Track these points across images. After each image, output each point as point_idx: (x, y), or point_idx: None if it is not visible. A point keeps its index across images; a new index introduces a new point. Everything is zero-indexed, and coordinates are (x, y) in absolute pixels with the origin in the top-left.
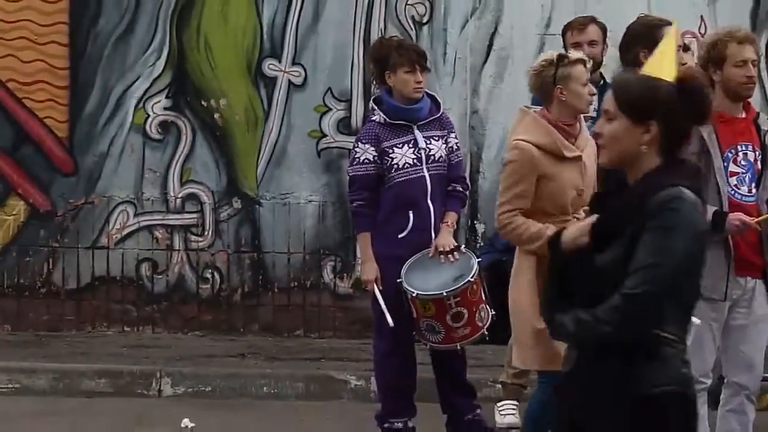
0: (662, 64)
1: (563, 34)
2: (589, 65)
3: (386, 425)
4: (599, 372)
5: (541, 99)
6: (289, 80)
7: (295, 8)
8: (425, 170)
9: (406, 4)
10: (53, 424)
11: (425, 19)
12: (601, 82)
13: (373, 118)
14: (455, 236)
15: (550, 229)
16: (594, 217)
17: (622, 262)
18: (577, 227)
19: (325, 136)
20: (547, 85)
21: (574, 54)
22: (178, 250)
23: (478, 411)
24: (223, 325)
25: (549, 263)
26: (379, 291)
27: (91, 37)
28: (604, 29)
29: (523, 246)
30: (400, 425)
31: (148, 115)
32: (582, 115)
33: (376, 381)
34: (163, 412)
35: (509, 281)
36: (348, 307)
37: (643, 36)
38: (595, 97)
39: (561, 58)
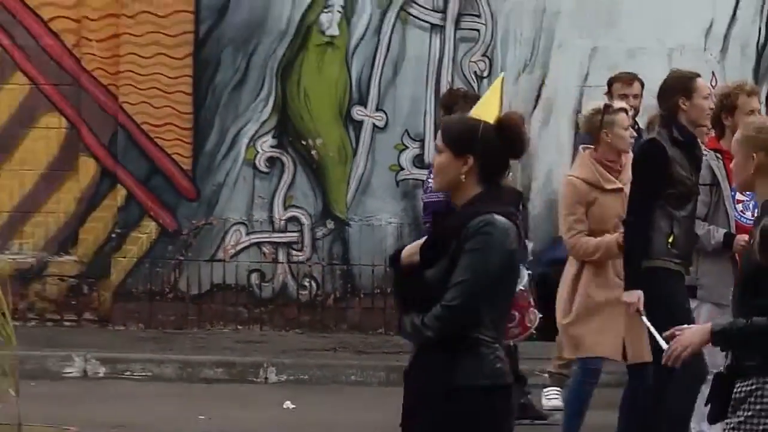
0: (486, 108)
1: (610, 85)
2: (630, 113)
3: None
4: (426, 364)
5: (590, 140)
6: (374, 123)
7: (379, 64)
8: None
9: (470, 62)
10: (178, 405)
11: (485, 74)
12: (636, 126)
13: None
14: None
15: (606, 240)
16: (423, 239)
17: (444, 276)
18: (412, 246)
19: (402, 169)
20: (595, 129)
21: (617, 103)
22: (282, 262)
23: (529, 396)
24: (318, 325)
25: (393, 275)
26: None
27: (211, 87)
28: (643, 85)
29: (588, 258)
30: None
31: (258, 152)
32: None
33: None
34: (268, 396)
35: (553, 289)
36: None
37: (679, 86)
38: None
39: (607, 107)
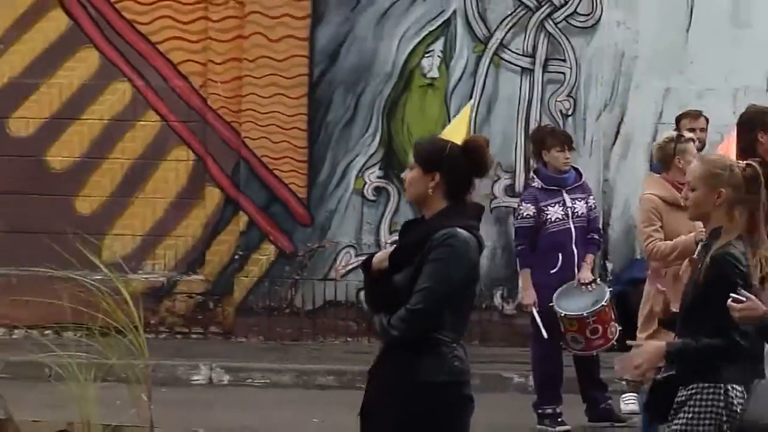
0: (455, 132)
1: (678, 121)
2: (696, 145)
3: (540, 411)
4: (391, 362)
5: (662, 166)
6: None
7: (474, 103)
8: (571, 223)
9: (556, 101)
10: (294, 410)
11: (570, 112)
12: None
13: (533, 185)
14: (592, 272)
15: (682, 239)
16: (393, 247)
17: (410, 282)
18: (382, 254)
19: (495, 198)
20: (668, 155)
21: (687, 134)
22: None
23: (609, 401)
24: None
25: (364, 279)
26: (537, 311)
27: (324, 124)
28: (707, 121)
29: (666, 260)
30: (550, 411)
31: (366, 182)
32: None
33: (533, 378)
34: None
35: (630, 305)
36: (512, 324)
37: (757, 120)
38: None
39: (679, 137)
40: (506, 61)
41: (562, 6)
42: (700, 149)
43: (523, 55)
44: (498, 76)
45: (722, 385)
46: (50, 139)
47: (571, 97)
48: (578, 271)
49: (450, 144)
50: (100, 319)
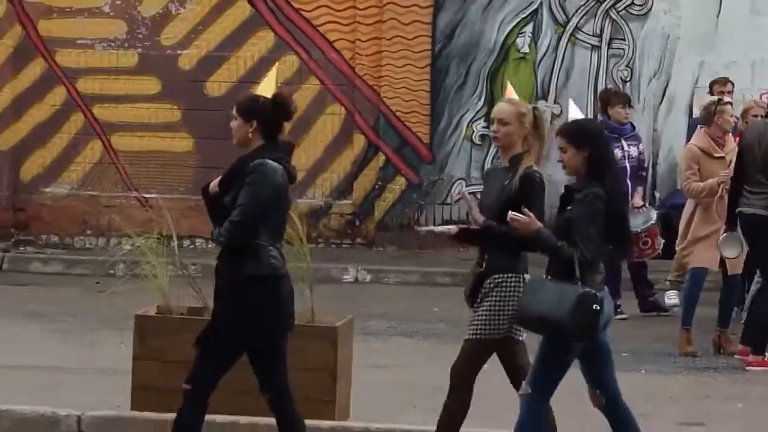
0: (266, 88)
1: (711, 86)
2: (732, 107)
3: None
4: (223, 263)
5: (705, 122)
6: (552, 112)
7: (556, 72)
8: (626, 163)
9: (617, 70)
10: (419, 301)
11: (628, 79)
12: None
13: None
14: (642, 199)
15: (709, 182)
16: (221, 176)
17: (233, 202)
18: (215, 181)
19: None
20: (710, 114)
21: (726, 98)
22: None
23: (655, 296)
24: None
25: (204, 201)
26: None
27: (443, 87)
28: (733, 86)
29: (698, 196)
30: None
31: (473, 131)
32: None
33: None
34: None
35: (672, 224)
36: None
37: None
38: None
39: (719, 101)
40: (580, 40)
41: None
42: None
43: (592, 36)
44: (574, 52)
45: (520, 275)
46: (236, 98)
47: (629, 67)
48: (631, 198)
49: (262, 98)
50: None
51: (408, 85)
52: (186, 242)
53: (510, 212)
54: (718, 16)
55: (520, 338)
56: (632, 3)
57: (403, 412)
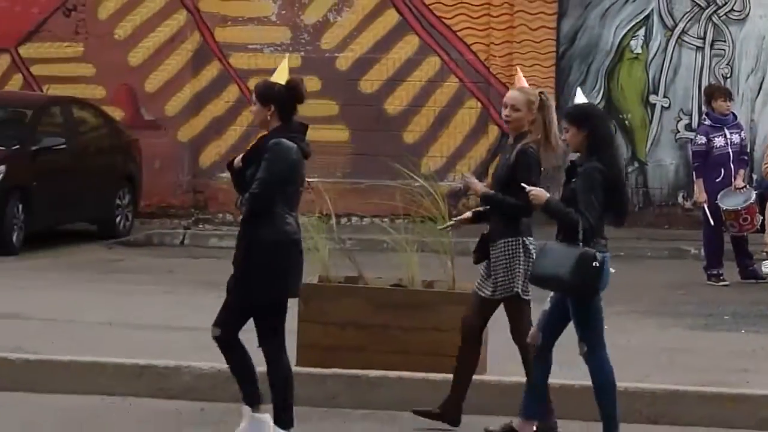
0: (280, 76)
1: None
2: None
3: (708, 272)
4: (245, 228)
5: None
6: (662, 105)
7: (665, 70)
8: (729, 149)
9: (719, 68)
10: None
11: (728, 75)
12: None
13: (704, 123)
14: (744, 181)
15: None
16: (245, 151)
17: (252, 175)
18: (239, 157)
19: (679, 132)
20: None
21: None
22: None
23: (755, 265)
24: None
25: (229, 175)
26: (706, 206)
27: (566, 84)
28: None
29: None
30: (715, 272)
31: None
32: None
33: (704, 250)
34: None
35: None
36: (689, 215)
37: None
38: None
39: None
40: (686, 42)
41: (723, 5)
42: None
43: (697, 38)
44: (680, 52)
45: (520, 238)
46: (387, 94)
47: (729, 65)
48: (734, 179)
49: (277, 85)
50: (420, 211)
51: (536, 82)
52: (343, 220)
53: (524, 186)
54: None
55: (527, 297)
56: (732, 9)
57: (558, 375)
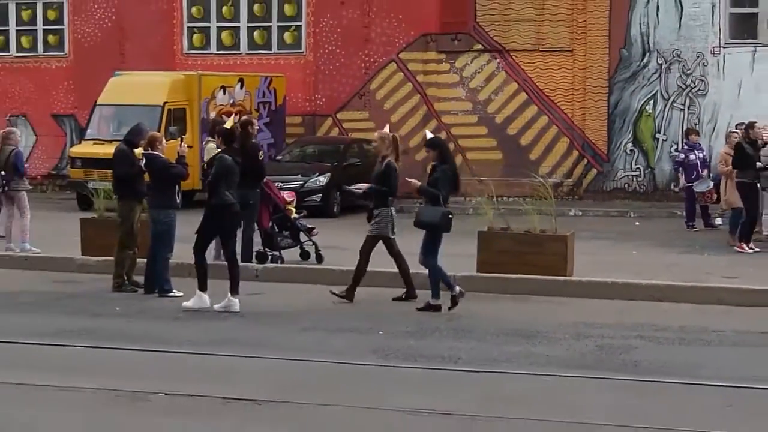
0: (228, 123)
1: None
2: None
3: (688, 223)
4: (208, 202)
5: None
6: (662, 139)
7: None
8: (698, 161)
9: (692, 120)
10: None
11: (696, 124)
12: None
13: (685, 147)
14: (708, 176)
15: None
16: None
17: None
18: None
19: (672, 153)
20: None
21: None
22: None
23: (711, 220)
24: None
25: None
26: (685, 189)
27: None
28: None
29: None
30: (691, 223)
31: None
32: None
33: (685, 212)
34: None
35: None
36: None
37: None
38: None
39: None
40: (675, 106)
41: (694, 87)
42: None
43: (680, 104)
44: (672, 112)
45: (389, 208)
46: (520, 135)
47: (698, 118)
48: (701, 175)
49: (224, 128)
50: (537, 194)
51: (595, 128)
52: (499, 199)
53: (410, 180)
54: None
55: (393, 236)
56: (699, 89)
57: (609, 275)
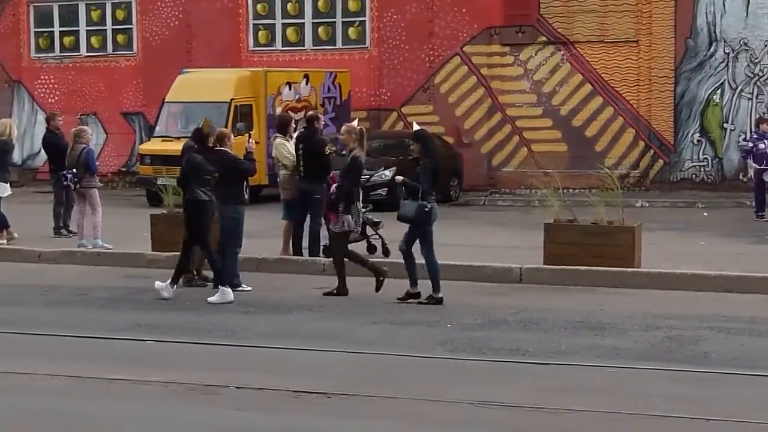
0: (203, 124)
1: None
2: None
3: (757, 213)
4: (184, 194)
5: None
6: (730, 129)
7: None
8: (767, 149)
9: (760, 109)
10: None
11: (765, 113)
12: None
13: (754, 136)
14: None
15: None
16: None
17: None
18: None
19: (740, 142)
20: None
21: None
22: None
23: None
24: None
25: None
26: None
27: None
28: None
29: None
30: (760, 213)
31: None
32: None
33: (754, 200)
34: None
35: None
36: None
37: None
38: None
39: None
40: (743, 95)
41: (762, 76)
42: None
43: (749, 93)
44: (740, 101)
45: (354, 203)
46: (585, 127)
47: (766, 107)
48: None
49: (198, 130)
50: (603, 186)
51: (661, 119)
52: (564, 191)
53: (398, 178)
54: None
55: (358, 233)
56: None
57: (677, 266)
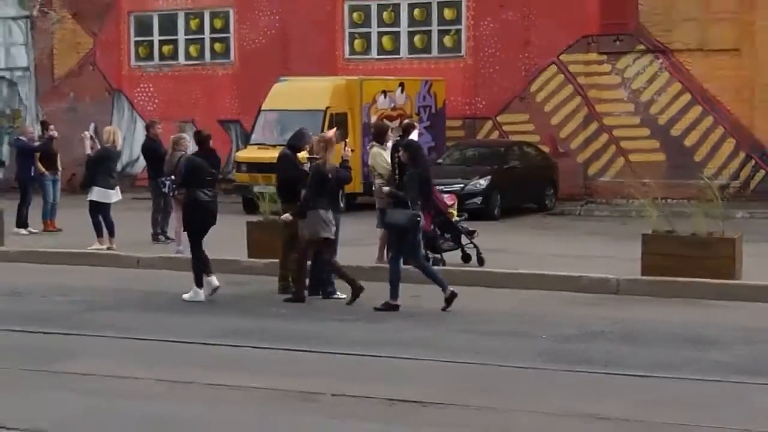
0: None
1: None
2: None
3: None
4: (183, 196)
5: None
6: None
7: None
8: None
9: None
10: None
11: None
12: None
13: None
14: None
15: None
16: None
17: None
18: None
19: None
20: None
21: None
22: None
23: None
24: None
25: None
26: None
27: None
28: None
29: None
30: None
31: None
32: None
33: None
34: None
35: None
36: None
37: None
38: None
39: None
40: None
41: None
42: None
43: None
44: None
45: (321, 210)
46: (684, 137)
47: None
48: None
49: (197, 135)
50: (703, 196)
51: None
52: (663, 201)
53: (384, 189)
54: None
55: (332, 237)
56: None
57: None
